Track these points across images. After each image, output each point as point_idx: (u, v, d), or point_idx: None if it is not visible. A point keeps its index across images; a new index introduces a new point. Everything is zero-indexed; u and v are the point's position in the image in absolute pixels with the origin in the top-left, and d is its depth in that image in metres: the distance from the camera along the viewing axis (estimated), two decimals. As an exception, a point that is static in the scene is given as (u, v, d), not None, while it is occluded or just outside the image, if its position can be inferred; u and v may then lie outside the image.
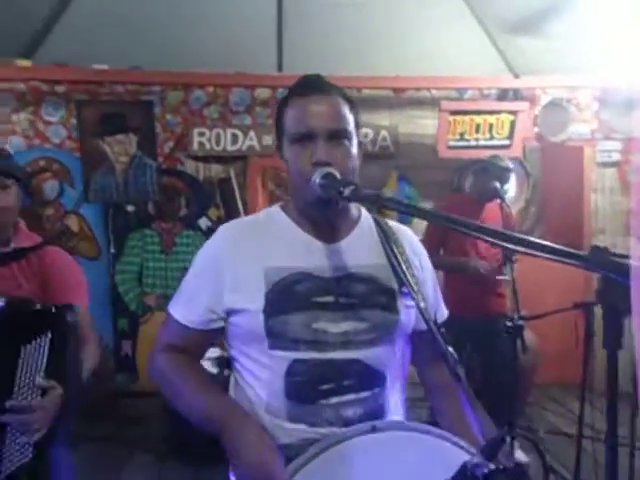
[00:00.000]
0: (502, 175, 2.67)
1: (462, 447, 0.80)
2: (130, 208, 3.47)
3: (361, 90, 3.61)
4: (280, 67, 3.80)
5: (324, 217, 0.95)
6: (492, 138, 3.49)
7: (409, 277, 0.91)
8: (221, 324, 0.96)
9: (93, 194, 3.35)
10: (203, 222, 3.50)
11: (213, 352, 2.63)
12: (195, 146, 3.44)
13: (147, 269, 3.50)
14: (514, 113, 3.46)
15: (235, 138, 3.47)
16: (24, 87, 3.30)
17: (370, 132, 3.58)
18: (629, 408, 1.82)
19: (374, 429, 0.81)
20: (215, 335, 0.98)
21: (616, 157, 3.82)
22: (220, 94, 3.51)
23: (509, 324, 2.13)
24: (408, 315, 0.97)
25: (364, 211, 1.03)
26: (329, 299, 0.92)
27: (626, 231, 3.67)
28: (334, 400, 0.90)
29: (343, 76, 3.40)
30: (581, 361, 2.05)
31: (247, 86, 3.50)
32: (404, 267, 0.92)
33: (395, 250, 0.95)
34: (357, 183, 0.87)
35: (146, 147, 3.36)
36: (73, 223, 3.41)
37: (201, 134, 3.45)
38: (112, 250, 3.46)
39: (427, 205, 3.46)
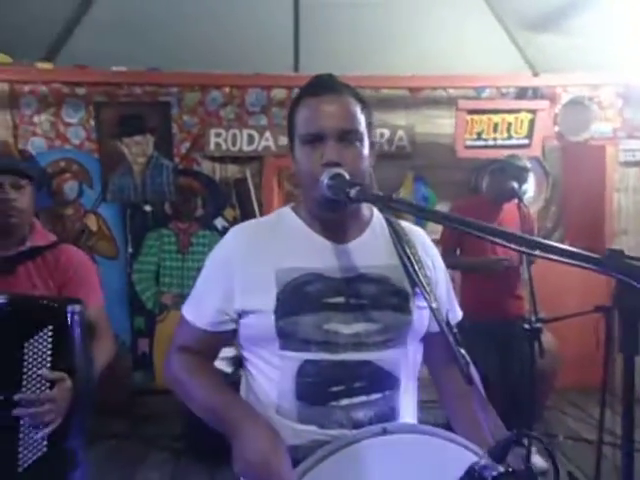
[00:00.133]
0: (520, 175, 2.62)
1: (473, 450, 0.79)
2: (147, 208, 3.52)
3: (378, 90, 3.59)
4: (296, 67, 3.81)
5: (334, 218, 0.95)
6: (510, 137, 3.43)
7: (421, 278, 0.89)
8: (233, 326, 0.96)
9: (111, 194, 3.40)
10: (219, 222, 3.53)
11: (228, 352, 2.63)
12: (212, 146, 3.47)
13: (164, 268, 3.54)
14: (533, 112, 3.40)
15: (251, 138, 3.49)
16: (45, 89, 3.37)
17: (386, 132, 3.56)
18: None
19: (384, 431, 0.80)
20: (227, 336, 0.98)
21: (640, 156, 3.73)
22: (236, 95, 3.53)
23: (526, 327, 2.09)
24: (421, 316, 0.96)
25: (376, 211, 1.02)
26: (340, 300, 0.92)
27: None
28: (344, 402, 0.89)
29: (359, 76, 3.40)
30: (602, 365, 2.01)
31: (263, 87, 3.51)
32: (416, 267, 0.90)
33: (407, 251, 0.94)
34: (364, 184, 0.85)
35: (163, 148, 3.40)
36: (92, 223, 3.47)
37: (217, 135, 3.48)
38: (130, 249, 3.51)
39: (444, 206, 3.43)
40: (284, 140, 3.45)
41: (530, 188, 3.96)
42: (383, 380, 0.92)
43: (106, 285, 3.57)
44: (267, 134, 3.50)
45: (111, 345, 1.44)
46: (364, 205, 0.98)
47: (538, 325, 2.10)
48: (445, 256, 3.06)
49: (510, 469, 0.61)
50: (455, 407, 0.97)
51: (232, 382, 1.05)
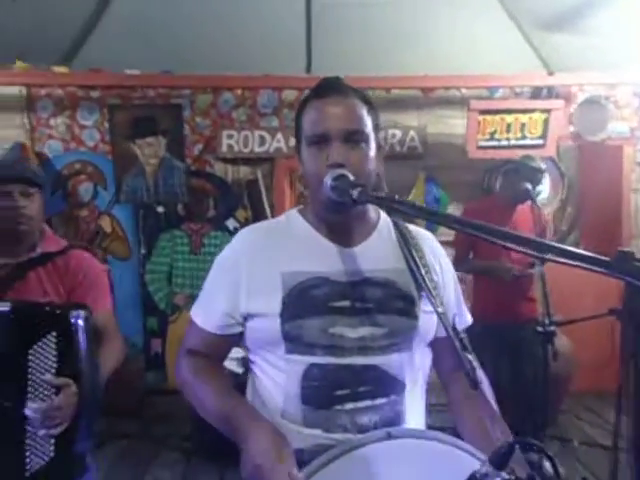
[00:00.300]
0: (534, 176, 2.58)
1: (478, 457, 0.78)
2: (160, 209, 3.55)
3: (390, 90, 3.57)
4: (309, 69, 3.81)
5: (339, 220, 0.94)
6: (524, 138, 3.38)
7: (428, 282, 0.88)
8: (240, 329, 0.96)
9: (124, 195, 3.44)
10: (231, 223, 3.54)
11: (238, 352, 2.65)
12: (224, 148, 3.49)
13: (176, 269, 3.57)
14: (547, 112, 3.35)
15: (263, 140, 3.50)
16: (61, 93, 3.43)
17: (398, 133, 3.54)
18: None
19: (389, 436, 0.79)
20: (235, 339, 0.98)
21: (658, 156, 3.65)
22: (248, 96, 3.55)
23: (539, 329, 2.06)
24: (427, 321, 0.95)
25: (383, 214, 1.01)
26: (345, 304, 0.91)
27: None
28: (349, 406, 0.89)
29: (371, 76, 3.40)
30: (618, 369, 1.97)
31: (274, 88, 3.52)
32: (423, 271, 0.90)
33: (414, 254, 0.93)
34: (368, 185, 0.85)
35: (175, 149, 3.43)
36: (106, 224, 3.51)
37: (229, 136, 3.50)
38: (142, 250, 3.55)
39: (456, 207, 3.40)
40: (295, 141, 3.46)
41: (545, 189, 3.91)
42: (388, 384, 0.91)
43: (119, 286, 3.66)
44: (279, 135, 3.50)
45: (120, 349, 1.45)
46: (371, 208, 0.98)
47: (551, 328, 2.07)
48: (458, 260, 3.05)
49: (513, 477, 0.60)
50: (462, 412, 0.95)
51: (241, 383, 1.05)
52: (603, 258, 0.63)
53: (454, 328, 0.84)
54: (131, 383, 3.44)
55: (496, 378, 2.96)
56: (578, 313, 2.14)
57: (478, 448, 0.80)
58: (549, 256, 0.66)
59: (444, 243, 3.24)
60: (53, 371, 1.19)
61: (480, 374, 0.97)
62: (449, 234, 2.47)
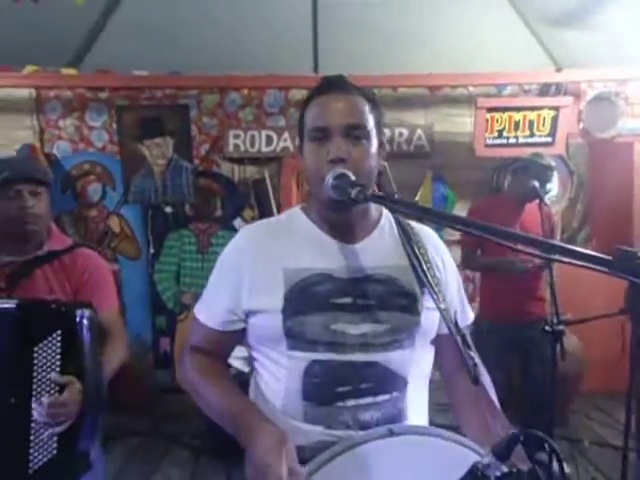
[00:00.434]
0: (544, 174, 2.56)
1: (481, 453, 0.77)
2: (168, 209, 3.58)
3: (396, 89, 3.56)
4: (316, 68, 3.81)
5: (340, 218, 0.95)
6: (533, 135, 3.35)
7: (430, 278, 0.88)
8: (242, 325, 0.97)
9: (132, 196, 3.46)
10: (238, 223, 3.56)
11: (244, 351, 2.67)
12: (230, 148, 3.50)
13: (184, 268, 3.59)
14: (556, 109, 3.31)
15: (269, 139, 3.51)
16: (70, 94, 3.46)
17: (405, 131, 3.52)
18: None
19: (391, 433, 0.79)
20: (239, 336, 0.99)
21: (670, 153, 3.59)
22: (255, 96, 3.55)
23: (547, 329, 2.04)
24: (429, 317, 0.95)
25: (386, 211, 1.02)
26: (347, 300, 0.91)
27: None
28: (351, 403, 0.89)
29: (378, 75, 3.39)
30: (628, 368, 1.94)
31: (281, 87, 3.53)
32: (425, 268, 0.90)
33: (416, 251, 0.93)
34: (367, 184, 0.85)
35: (182, 150, 3.45)
36: (115, 224, 3.54)
37: (236, 136, 3.51)
38: (151, 250, 3.58)
39: (464, 205, 3.38)
40: (302, 141, 3.45)
41: (554, 187, 3.87)
42: (390, 381, 0.91)
43: (128, 285, 3.68)
44: (285, 135, 3.51)
45: (124, 348, 1.46)
46: (373, 205, 0.98)
47: (560, 327, 2.05)
48: (466, 257, 3.03)
49: (514, 469, 0.59)
50: (464, 409, 0.95)
51: (247, 381, 1.06)
52: (605, 257, 0.63)
53: (456, 325, 0.84)
54: (141, 381, 3.47)
55: (505, 377, 2.94)
56: (589, 312, 2.11)
57: (480, 444, 0.80)
58: (552, 256, 0.66)
59: (452, 242, 3.23)
60: (57, 369, 1.20)
61: (482, 371, 0.97)
62: (456, 233, 2.46)
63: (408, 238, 0.96)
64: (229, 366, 2.63)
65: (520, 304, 2.61)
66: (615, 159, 3.73)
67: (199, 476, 2.72)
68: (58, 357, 1.20)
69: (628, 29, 3.28)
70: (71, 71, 3.42)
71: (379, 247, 0.97)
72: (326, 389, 0.89)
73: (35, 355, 1.19)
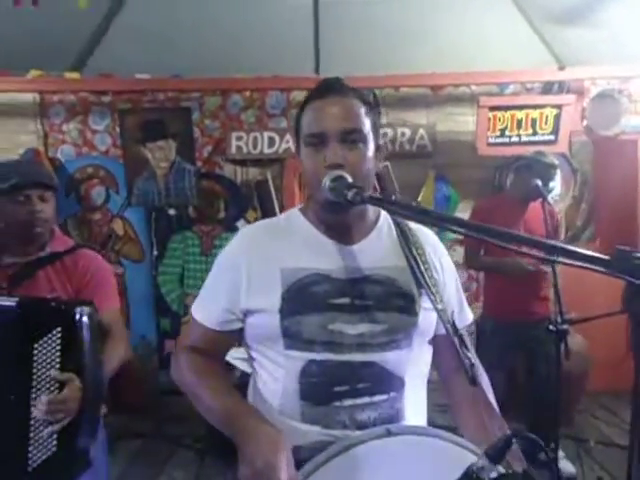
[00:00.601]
0: (546, 172, 2.55)
1: (478, 454, 0.77)
2: (171, 212, 3.59)
3: (398, 88, 3.56)
4: (318, 69, 3.81)
5: (338, 219, 0.95)
6: (535, 134, 3.33)
7: (427, 279, 0.89)
8: (239, 325, 0.97)
9: (136, 199, 3.48)
10: (241, 224, 3.56)
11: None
12: (233, 150, 3.51)
13: (188, 270, 3.60)
14: (559, 107, 3.29)
15: (272, 141, 3.51)
16: (73, 98, 3.48)
17: (407, 131, 3.52)
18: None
19: (388, 433, 0.79)
20: (234, 336, 0.99)
21: (675, 150, 3.56)
22: (257, 98, 3.56)
23: (551, 328, 2.03)
24: (427, 318, 0.95)
25: (384, 213, 1.02)
26: (345, 301, 0.92)
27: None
28: (348, 402, 0.89)
29: (380, 75, 3.38)
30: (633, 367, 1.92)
31: (283, 89, 3.53)
32: (423, 269, 0.90)
33: (414, 252, 0.93)
34: (364, 186, 0.85)
35: (185, 152, 3.46)
36: (119, 227, 3.56)
37: (239, 138, 3.51)
38: (155, 252, 3.59)
39: (467, 204, 3.37)
40: (304, 142, 3.46)
41: (557, 186, 3.85)
42: (388, 381, 0.91)
43: (133, 287, 3.69)
44: (287, 136, 3.51)
45: (125, 347, 1.47)
46: (371, 207, 0.98)
47: (564, 326, 2.04)
48: (469, 257, 3.02)
49: (509, 470, 0.59)
50: (461, 410, 0.95)
51: (246, 382, 1.06)
52: (604, 257, 0.62)
53: (453, 325, 0.84)
54: (145, 383, 3.49)
55: (509, 377, 2.92)
56: (593, 311, 2.09)
57: (478, 445, 0.80)
58: (551, 257, 0.66)
59: (455, 242, 3.22)
60: (57, 366, 1.21)
61: (480, 371, 0.97)
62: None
63: (406, 239, 0.96)
64: (232, 367, 2.64)
65: (524, 304, 2.60)
66: (619, 157, 3.71)
67: (204, 478, 2.72)
68: (58, 354, 1.21)
69: (631, 26, 3.26)
70: (74, 75, 3.44)
71: (377, 248, 0.97)
72: (323, 389, 0.89)
73: (35, 352, 1.20)
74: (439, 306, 0.85)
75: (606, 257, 0.60)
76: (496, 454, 0.60)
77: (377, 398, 0.90)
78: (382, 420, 0.88)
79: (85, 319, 1.26)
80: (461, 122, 3.55)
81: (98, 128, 3.51)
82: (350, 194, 0.80)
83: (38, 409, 1.17)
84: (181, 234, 3.61)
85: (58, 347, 1.21)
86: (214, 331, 0.97)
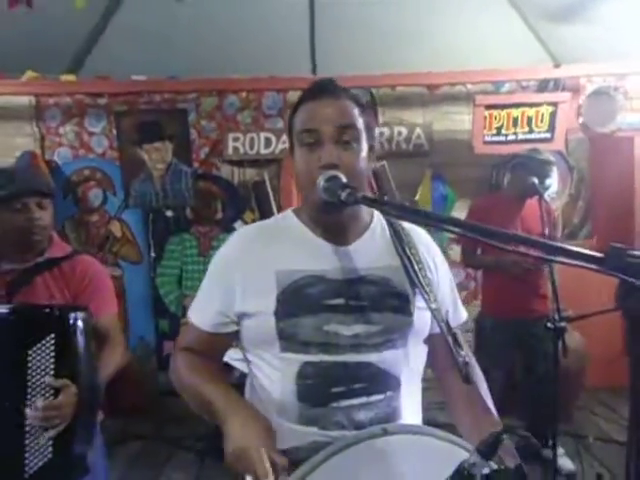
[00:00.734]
0: (542, 169, 2.55)
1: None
2: (169, 213, 3.59)
3: (394, 88, 3.56)
4: (314, 69, 3.81)
5: (332, 220, 0.95)
6: (531, 132, 3.34)
7: (421, 278, 0.89)
8: (234, 328, 0.97)
9: (133, 200, 3.47)
10: (239, 225, 3.56)
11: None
12: (230, 151, 3.51)
13: (186, 272, 3.60)
14: (554, 104, 3.30)
15: (268, 142, 3.51)
16: (69, 101, 3.47)
17: (404, 130, 3.52)
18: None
19: (385, 432, 0.79)
20: (230, 339, 0.99)
21: (671, 147, 3.57)
22: (253, 99, 3.56)
23: (549, 325, 2.04)
24: (421, 317, 0.95)
25: (377, 213, 1.02)
26: (339, 302, 0.92)
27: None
28: (345, 403, 0.89)
29: (376, 74, 3.39)
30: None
31: (279, 90, 3.53)
32: (416, 268, 0.91)
33: (408, 252, 0.94)
34: (358, 186, 0.85)
35: (181, 154, 3.45)
36: (116, 229, 3.55)
37: (235, 139, 3.51)
38: (152, 254, 3.59)
39: (464, 203, 3.37)
40: (301, 142, 3.45)
41: (554, 183, 3.86)
42: (384, 381, 0.91)
43: (131, 289, 3.69)
44: (284, 137, 3.51)
45: (122, 353, 1.47)
46: (365, 207, 0.98)
47: (561, 324, 2.04)
48: (466, 256, 3.02)
49: (501, 466, 0.60)
50: (457, 408, 0.96)
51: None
52: (597, 255, 0.63)
53: (447, 324, 0.84)
54: (144, 384, 3.48)
55: (509, 374, 2.93)
56: (591, 308, 2.10)
57: (473, 443, 0.80)
58: (545, 256, 0.66)
59: (453, 240, 3.20)
60: (52, 372, 1.21)
61: (474, 369, 0.98)
62: (456, 231, 2.45)
63: (400, 239, 0.97)
64: (231, 368, 2.64)
65: (523, 301, 2.60)
66: (616, 154, 3.71)
67: (204, 479, 2.72)
68: (52, 360, 1.21)
69: (626, 23, 3.27)
70: (70, 78, 3.43)
71: (371, 248, 0.97)
72: (320, 390, 0.90)
73: (29, 358, 1.20)
74: (433, 305, 0.86)
75: (600, 255, 0.60)
76: (487, 450, 0.61)
77: (374, 398, 0.90)
78: (379, 420, 0.89)
79: (79, 324, 1.26)
80: (457, 121, 3.55)
81: (94, 130, 3.50)
82: (344, 194, 0.80)
83: (33, 415, 1.17)
84: (179, 235, 3.61)
85: (52, 353, 1.20)
86: (209, 334, 0.98)
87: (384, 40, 3.53)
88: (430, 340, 1.00)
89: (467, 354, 0.85)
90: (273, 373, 0.93)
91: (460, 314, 1.06)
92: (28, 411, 1.17)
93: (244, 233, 1.04)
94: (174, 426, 3.20)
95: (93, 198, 3.55)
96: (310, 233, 0.98)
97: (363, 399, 0.90)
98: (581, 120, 3.44)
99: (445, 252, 3.45)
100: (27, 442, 1.18)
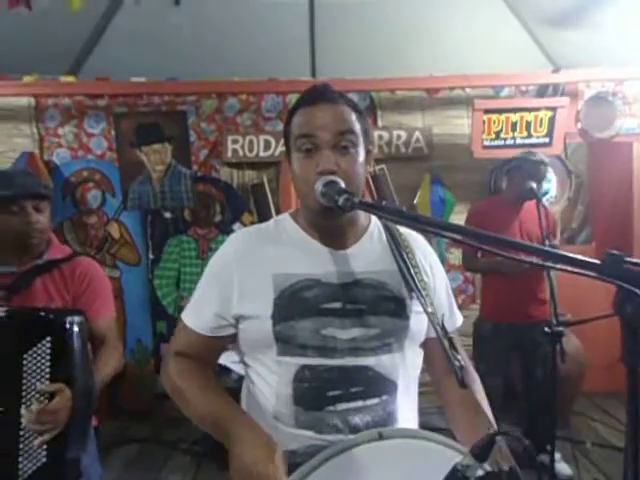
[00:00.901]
0: (537, 170, 2.55)
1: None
2: (168, 215, 3.58)
3: (394, 91, 3.56)
4: (314, 72, 3.82)
5: (329, 224, 0.95)
6: (530, 136, 3.34)
7: (417, 282, 0.89)
8: (231, 331, 0.97)
9: (131, 202, 3.47)
10: (237, 228, 3.55)
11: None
12: (229, 153, 3.51)
13: (184, 274, 3.59)
14: (553, 109, 3.31)
15: (268, 144, 3.51)
16: (69, 102, 3.47)
17: (403, 134, 3.53)
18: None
19: (381, 437, 0.79)
20: (225, 342, 0.99)
21: (669, 152, 3.58)
22: (253, 101, 3.56)
23: (547, 330, 2.04)
24: (418, 321, 0.95)
25: (374, 218, 1.02)
26: (337, 305, 0.92)
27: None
28: (341, 407, 0.89)
29: (376, 78, 3.39)
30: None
31: (279, 92, 3.53)
32: (413, 273, 0.91)
33: (405, 256, 0.94)
34: (356, 191, 0.86)
35: (180, 156, 3.45)
36: (114, 230, 3.55)
37: (235, 141, 3.51)
38: (151, 256, 3.58)
39: (463, 207, 3.37)
40: (300, 145, 3.45)
41: (552, 187, 3.87)
42: (380, 385, 0.91)
43: (129, 291, 3.68)
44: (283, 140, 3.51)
45: (119, 357, 1.47)
46: (362, 212, 0.98)
47: (559, 329, 2.04)
48: (466, 259, 3.02)
49: (495, 469, 0.60)
50: (454, 413, 0.96)
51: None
52: (595, 262, 0.63)
53: (443, 328, 0.84)
54: (142, 387, 3.48)
55: (507, 379, 2.91)
56: (590, 313, 2.10)
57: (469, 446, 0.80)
58: (542, 262, 0.66)
59: (453, 244, 3.18)
60: (47, 376, 1.20)
61: (471, 374, 0.98)
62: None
63: (396, 243, 0.97)
64: (229, 370, 2.63)
65: (522, 306, 2.60)
66: (614, 159, 3.73)
67: (201, 482, 2.71)
68: (48, 364, 1.20)
69: (625, 29, 3.28)
70: (69, 79, 3.43)
71: (368, 252, 0.97)
72: (316, 394, 0.89)
73: (25, 362, 1.20)
74: (430, 310, 0.86)
75: (597, 262, 0.60)
76: (481, 452, 0.60)
77: (370, 402, 0.90)
78: (375, 423, 0.89)
79: (75, 328, 1.26)
80: (457, 125, 3.56)
81: (94, 131, 3.50)
82: (341, 200, 0.80)
83: (28, 419, 1.16)
84: (177, 237, 3.60)
85: (48, 357, 1.20)
86: (205, 337, 0.97)
87: (384, 44, 3.55)
88: (426, 344, 1.00)
89: (463, 358, 0.85)
90: (270, 376, 0.92)
91: (456, 318, 1.06)
92: (23, 415, 1.16)
93: (241, 236, 1.03)
94: (171, 429, 3.19)
95: (92, 199, 3.55)
96: (307, 237, 0.98)
97: (359, 403, 0.89)
98: (580, 125, 3.45)
99: (444, 256, 3.45)
100: (21, 446, 1.18)
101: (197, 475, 2.77)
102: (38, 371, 1.20)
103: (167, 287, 3.60)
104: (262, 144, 3.51)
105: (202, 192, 3.55)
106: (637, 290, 0.56)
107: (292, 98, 3.56)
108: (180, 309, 3.60)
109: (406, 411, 0.94)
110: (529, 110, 3.33)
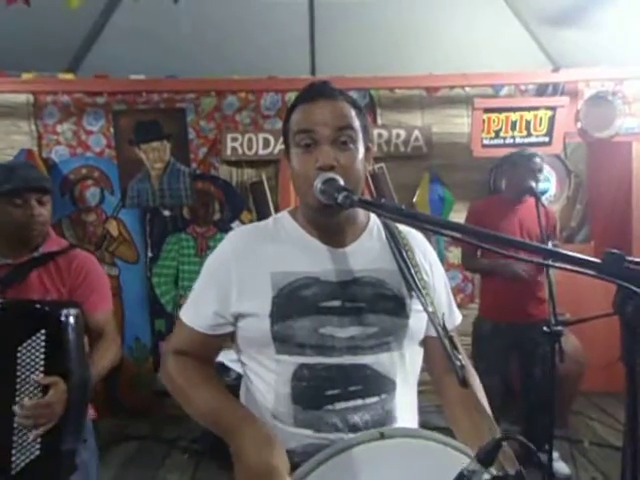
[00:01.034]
0: (532, 164, 2.55)
1: (470, 456, 0.77)
2: (166, 213, 3.58)
3: (394, 90, 3.56)
4: (313, 70, 3.81)
5: (328, 222, 0.95)
6: (529, 135, 3.34)
7: (417, 281, 0.89)
8: (229, 329, 0.96)
9: (130, 200, 3.46)
10: (236, 226, 3.55)
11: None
12: (228, 151, 3.50)
13: (183, 272, 3.59)
14: (552, 109, 3.31)
15: (267, 142, 3.51)
16: (67, 99, 3.46)
17: (402, 132, 3.52)
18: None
19: (381, 436, 0.79)
20: (223, 340, 0.98)
21: (668, 152, 3.59)
22: (252, 99, 3.55)
23: (546, 329, 2.04)
24: (417, 320, 0.95)
25: (373, 215, 1.02)
26: (335, 304, 0.91)
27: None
28: (340, 405, 0.89)
29: (375, 76, 3.39)
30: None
31: (278, 90, 3.52)
32: (412, 271, 0.90)
33: (404, 254, 0.94)
34: (356, 188, 0.85)
35: (179, 154, 3.44)
36: (113, 228, 3.54)
37: (234, 139, 3.51)
38: (149, 254, 3.57)
39: (462, 206, 3.37)
40: (299, 143, 3.45)
41: (552, 186, 3.87)
42: (379, 383, 0.91)
43: (127, 288, 3.68)
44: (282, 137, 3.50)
45: (116, 350, 1.46)
46: (361, 209, 0.97)
47: (558, 328, 2.04)
48: (466, 259, 3.02)
49: (501, 473, 0.59)
50: (454, 412, 0.95)
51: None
52: (594, 260, 0.62)
53: (443, 327, 0.84)
54: (140, 384, 3.48)
55: (506, 378, 2.91)
56: (589, 312, 2.10)
57: (470, 446, 0.80)
58: (542, 261, 0.66)
59: (452, 243, 3.18)
60: (42, 369, 1.20)
61: (471, 372, 0.97)
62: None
63: (396, 241, 0.97)
64: (228, 369, 2.63)
65: (521, 306, 2.60)
66: (613, 158, 3.73)
67: (199, 480, 2.71)
68: (42, 357, 1.20)
69: (625, 28, 3.28)
70: (68, 76, 3.42)
71: (367, 251, 0.97)
72: (315, 392, 0.89)
73: (19, 355, 1.19)
74: (429, 308, 0.86)
75: (597, 261, 0.60)
76: (487, 457, 0.60)
77: (369, 400, 0.90)
78: (374, 422, 0.88)
79: (71, 321, 1.25)
80: (456, 124, 3.56)
81: (92, 129, 3.49)
82: (340, 197, 0.80)
83: (22, 413, 1.16)
84: (176, 235, 3.60)
85: (43, 349, 1.20)
86: (203, 335, 0.97)
87: (384, 43, 3.54)
88: (426, 343, 0.99)
89: (463, 357, 0.85)
90: (268, 375, 0.92)
91: (455, 317, 1.06)
92: (16, 408, 1.16)
93: (239, 234, 1.02)
94: (170, 426, 3.19)
95: (90, 197, 3.54)
96: (306, 235, 0.97)
97: (358, 401, 0.89)
98: (579, 125, 3.45)
99: (443, 254, 3.45)
100: (15, 439, 1.17)
101: (196, 473, 2.77)
102: (33, 364, 1.19)
103: (166, 285, 3.60)
104: (261, 142, 3.50)
105: (201, 190, 3.55)
106: (637, 289, 0.56)
107: (291, 96, 3.55)
108: (179, 307, 3.60)
109: (405, 410, 0.94)
110: (529, 109, 3.33)
